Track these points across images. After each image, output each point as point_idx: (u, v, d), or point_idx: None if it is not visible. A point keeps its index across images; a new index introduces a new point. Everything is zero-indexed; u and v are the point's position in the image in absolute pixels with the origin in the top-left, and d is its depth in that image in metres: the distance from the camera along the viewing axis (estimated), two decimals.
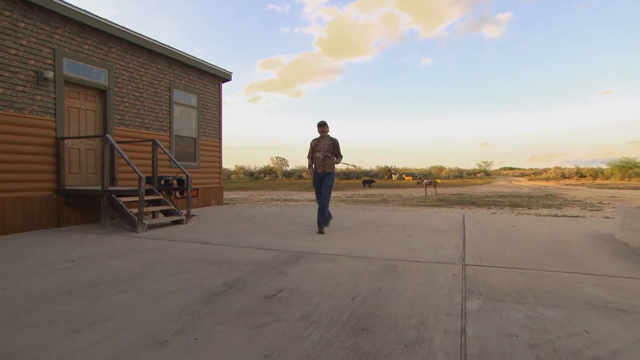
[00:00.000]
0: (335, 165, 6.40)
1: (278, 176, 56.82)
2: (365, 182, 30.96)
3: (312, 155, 6.43)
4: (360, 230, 6.44)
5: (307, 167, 6.49)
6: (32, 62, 6.45)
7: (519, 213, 10.48)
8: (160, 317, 2.67)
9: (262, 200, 15.73)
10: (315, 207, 12.36)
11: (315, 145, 6.39)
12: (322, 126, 6.35)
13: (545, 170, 63.86)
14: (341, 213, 9.61)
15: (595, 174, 46.16)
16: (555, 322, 2.56)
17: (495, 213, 10.48)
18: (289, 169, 63.29)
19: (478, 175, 66.12)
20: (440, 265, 4.08)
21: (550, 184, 35.05)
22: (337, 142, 6.35)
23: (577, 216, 9.54)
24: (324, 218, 6.14)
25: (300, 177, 55.54)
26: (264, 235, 6.00)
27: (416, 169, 67.68)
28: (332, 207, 12.60)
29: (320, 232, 6.03)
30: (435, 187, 19.93)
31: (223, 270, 3.86)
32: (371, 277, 3.64)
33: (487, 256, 4.50)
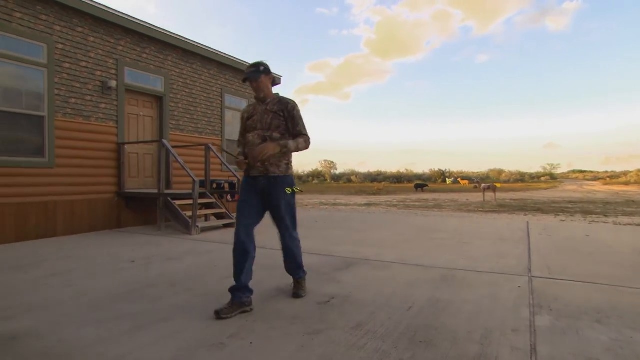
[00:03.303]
0: (290, 161, 3.12)
1: (326, 180, 57.03)
2: (417, 186, 30.28)
3: (243, 140, 3.16)
4: (414, 237, 6.21)
5: (237, 163, 3.10)
6: (99, 73, 6.91)
7: (593, 221, 9.55)
8: (216, 320, 2.69)
9: (311, 205, 15.80)
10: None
11: (247, 119, 3.10)
12: (254, 79, 2.98)
13: (625, 173, 58.54)
14: (393, 219, 9.38)
15: None
16: None
17: (564, 221, 9.71)
18: (337, 172, 63.52)
19: (542, 179, 62.56)
20: (503, 276, 3.80)
21: (632, 188, 31.56)
22: (294, 109, 3.04)
23: None
24: (298, 268, 3.32)
25: (349, 180, 55.44)
26: (314, 240, 5.95)
27: (473, 172, 65.26)
28: (381, 212, 12.26)
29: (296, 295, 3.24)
30: (495, 191, 18.95)
31: (275, 275, 3.84)
32: (428, 287, 3.46)
33: (556, 268, 4.13)
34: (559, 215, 11.32)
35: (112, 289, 3.40)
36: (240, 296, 2.85)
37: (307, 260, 4.47)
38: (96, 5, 6.69)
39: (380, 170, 62.97)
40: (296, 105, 3.08)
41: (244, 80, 3.02)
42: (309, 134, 3.10)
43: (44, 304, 3.02)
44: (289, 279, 3.49)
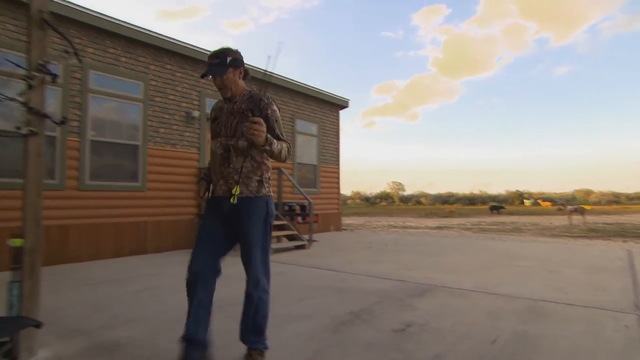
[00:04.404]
0: (265, 177, 2.38)
1: (395, 201, 56.02)
2: (492, 208, 28.68)
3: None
4: (493, 263, 5.82)
5: (198, 186, 2.59)
6: (184, 104, 7.58)
7: None
8: (291, 342, 2.73)
9: (380, 227, 15.57)
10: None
11: (212, 121, 2.45)
12: (218, 74, 2.30)
13: None
14: (468, 243, 8.90)
15: None
16: None
17: None
18: (405, 194, 62.18)
19: None
20: (604, 312, 3.39)
21: None
22: (269, 109, 2.35)
23: None
24: (257, 333, 2.45)
25: (419, 202, 53.89)
26: (386, 263, 5.83)
27: (555, 193, 60.16)
28: (455, 236, 11.61)
29: None
30: (583, 214, 17.24)
31: (348, 299, 3.81)
32: (512, 319, 3.20)
33: None
34: None
35: None
36: (190, 351, 2.17)
37: (380, 285, 4.38)
38: (184, 45, 7.44)
39: (451, 191, 60.61)
40: (272, 103, 2.35)
41: (203, 76, 2.29)
42: (287, 139, 2.39)
43: (138, 316, 3.29)
44: (362, 303, 3.37)
